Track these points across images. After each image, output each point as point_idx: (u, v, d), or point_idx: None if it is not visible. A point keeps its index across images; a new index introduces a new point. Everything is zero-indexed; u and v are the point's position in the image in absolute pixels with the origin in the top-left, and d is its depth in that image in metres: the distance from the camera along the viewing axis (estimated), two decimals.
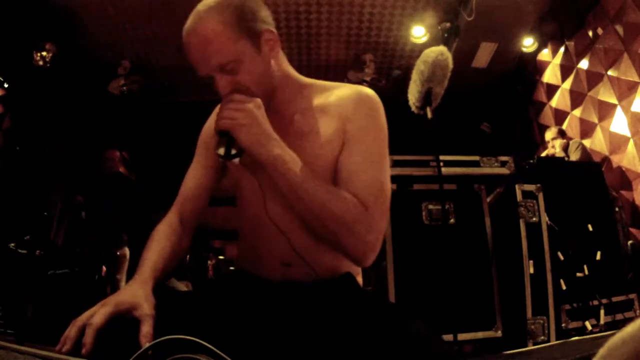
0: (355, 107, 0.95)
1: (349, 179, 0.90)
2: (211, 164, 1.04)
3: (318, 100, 0.98)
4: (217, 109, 1.03)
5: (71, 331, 0.68)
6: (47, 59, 4.38)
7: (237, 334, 0.76)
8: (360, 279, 1.03)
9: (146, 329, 0.68)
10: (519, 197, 2.35)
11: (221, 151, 0.86)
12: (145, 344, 0.65)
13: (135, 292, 0.75)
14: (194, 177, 1.04)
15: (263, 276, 0.94)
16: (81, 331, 0.68)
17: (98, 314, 0.69)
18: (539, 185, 2.38)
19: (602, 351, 0.44)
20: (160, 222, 0.97)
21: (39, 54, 4.35)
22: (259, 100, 0.88)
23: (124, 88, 4.86)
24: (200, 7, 0.89)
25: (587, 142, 4.24)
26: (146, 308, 0.71)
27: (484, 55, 5.02)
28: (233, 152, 0.86)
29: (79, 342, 0.67)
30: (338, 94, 0.98)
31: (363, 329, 0.74)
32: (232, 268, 1.09)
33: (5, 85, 4.55)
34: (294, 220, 0.91)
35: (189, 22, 0.88)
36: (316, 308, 0.84)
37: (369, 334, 0.72)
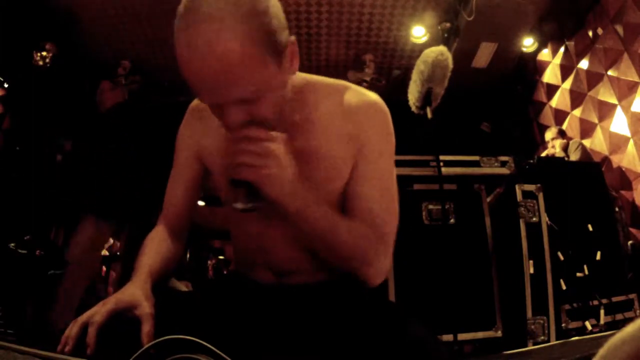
0: (368, 124, 0.86)
1: (367, 209, 0.85)
2: (192, 175, 0.98)
3: (323, 109, 0.86)
4: (193, 111, 0.97)
5: (72, 330, 0.68)
6: (47, 59, 4.38)
7: (236, 334, 0.76)
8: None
9: (147, 327, 0.68)
10: (519, 197, 2.35)
11: (239, 206, 0.72)
12: (147, 343, 0.65)
13: (135, 291, 0.74)
14: (175, 191, 0.99)
15: (257, 280, 0.94)
16: (82, 330, 0.68)
17: (99, 312, 0.69)
18: (539, 185, 2.38)
19: (602, 351, 0.44)
20: (150, 233, 0.96)
21: (39, 54, 4.35)
22: (283, 137, 0.74)
23: (124, 88, 4.86)
24: (208, 8, 0.65)
25: (587, 142, 4.24)
26: (146, 307, 0.71)
27: (484, 55, 5.02)
28: (253, 204, 0.73)
29: (80, 342, 0.67)
30: (346, 102, 0.87)
31: (362, 328, 0.73)
32: (232, 268, 1.09)
33: (5, 85, 4.55)
34: (291, 244, 0.89)
35: (194, 33, 0.65)
36: (315, 308, 0.84)
37: (368, 333, 0.72)
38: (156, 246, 0.91)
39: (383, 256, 0.86)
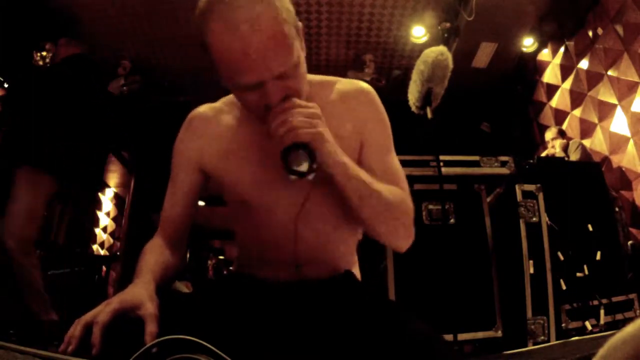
0: (365, 105, 0.96)
1: (385, 175, 0.92)
2: (191, 188, 0.98)
3: (323, 99, 0.94)
4: (192, 122, 0.99)
5: (76, 330, 0.68)
6: (47, 59, 4.38)
7: (238, 334, 0.76)
8: (357, 272, 1.04)
9: (151, 327, 0.67)
10: (519, 197, 2.35)
11: (304, 167, 0.76)
12: (150, 343, 0.65)
13: (139, 292, 0.74)
14: (174, 198, 0.99)
15: (266, 278, 0.94)
16: (86, 330, 0.67)
17: (103, 312, 0.68)
18: (539, 185, 2.38)
19: (602, 351, 0.44)
20: (148, 242, 0.95)
21: (39, 54, 4.35)
22: (317, 106, 0.82)
23: (124, 88, 4.86)
24: None
25: (587, 142, 4.24)
26: (150, 307, 0.70)
27: (484, 55, 5.02)
28: (314, 166, 0.77)
29: (83, 341, 0.67)
30: (340, 91, 0.97)
31: (365, 324, 0.74)
32: (231, 268, 1.09)
33: (5, 85, 4.54)
34: (317, 229, 0.93)
35: (237, 15, 0.71)
36: (318, 306, 0.84)
37: (370, 330, 0.72)
38: (156, 255, 0.91)
39: (412, 215, 0.92)
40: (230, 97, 0.99)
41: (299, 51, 0.80)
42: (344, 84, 0.99)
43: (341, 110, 0.94)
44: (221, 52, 0.74)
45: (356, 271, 1.03)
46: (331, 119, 0.88)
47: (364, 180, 0.84)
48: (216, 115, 0.98)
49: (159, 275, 0.85)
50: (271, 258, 0.95)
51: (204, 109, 1.01)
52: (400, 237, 0.91)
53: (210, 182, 1.01)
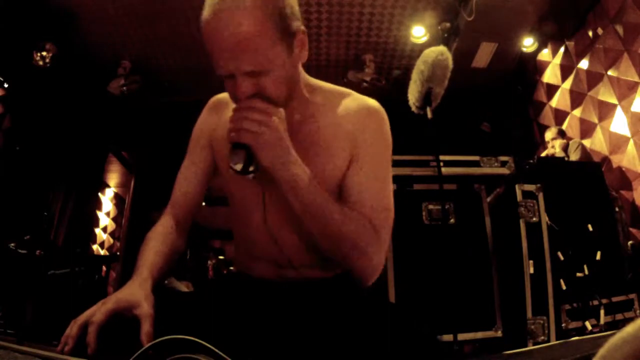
0: (365, 124, 0.92)
1: (360, 199, 0.88)
2: (205, 165, 1.01)
3: (325, 110, 0.93)
4: (211, 104, 1.04)
5: (72, 330, 0.68)
6: (47, 59, 4.38)
7: (236, 333, 0.76)
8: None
9: (147, 327, 0.68)
10: (519, 197, 2.35)
11: (238, 167, 0.80)
12: (146, 342, 0.65)
13: (135, 291, 0.74)
14: (187, 179, 1.01)
15: (259, 277, 0.95)
16: (82, 330, 0.68)
17: (99, 312, 0.69)
18: (539, 185, 2.38)
19: (602, 351, 0.44)
20: (155, 225, 0.96)
21: (39, 54, 4.35)
22: (282, 112, 0.81)
23: (124, 88, 4.86)
24: None
25: (587, 142, 4.24)
26: (146, 307, 0.71)
27: (484, 55, 5.02)
28: (251, 168, 0.81)
29: (80, 341, 0.67)
30: (346, 106, 0.94)
31: (360, 326, 0.74)
32: (232, 268, 1.10)
33: (5, 85, 4.55)
34: (292, 231, 0.91)
35: (219, 9, 0.75)
36: (313, 306, 0.84)
37: (366, 332, 0.72)
38: (160, 241, 0.91)
39: (377, 248, 0.87)
40: None
41: (282, 55, 0.79)
42: (353, 99, 0.96)
43: (338, 124, 0.92)
44: (205, 40, 0.78)
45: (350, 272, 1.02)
46: (323, 130, 0.91)
47: (311, 198, 0.82)
48: (229, 102, 0.99)
49: (160, 267, 0.85)
50: (254, 254, 0.96)
51: (222, 95, 1.04)
52: (357, 269, 0.87)
53: (212, 180, 1.02)
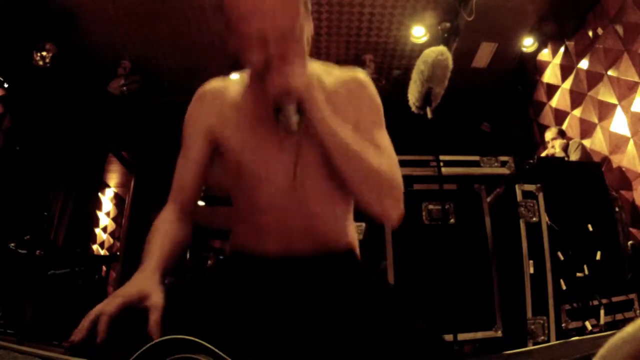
0: (360, 89, 1.00)
1: (375, 148, 0.93)
2: (202, 155, 1.01)
3: (322, 80, 0.98)
4: (202, 94, 1.04)
5: (84, 322, 0.68)
6: (47, 59, 4.38)
7: (240, 316, 0.77)
8: (357, 252, 1.04)
9: (155, 317, 0.68)
10: (519, 197, 2.35)
11: (294, 121, 0.82)
12: (154, 333, 0.66)
13: (144, 283, 0.75)
14: (186, 166, 1.01)
15: (264, 254, 0.94)
16: (93, 323, 0.68)
17: (110, 304, 0.69)
18: (539, 185, 2.38)
19: (602, 351, 0.44)
20: (159, 215, 0.96)
21: (39, 54, 4.35)
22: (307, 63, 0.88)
23: (124, 88, 4.86)
24: None
25: (587, 142, 4.24)
26: (156, 297, 0.71)
27: (484, 55, 5.02)
28: (302, 124, 0.84)
29: (89, 334, 0.67)
30: (338, 76, 1.01)
31: (365, 304, 0.76)
32: (228, 254, 1.08)
33: (5, 85, 4.55)
34: (323, 196, 0.94)
35: None
36: (319, 283, 0.86)
37: (370, 310, 0.74)
38: (166, 231, 0.91)
39: (400, 186, 0.92)
40: (238, 75, 1.05)
41: (305, 21, 0.87)
42: (342, 70, 1.03)
43: (338, 93, 0.98)
44: (230, 2, 0.81)
45: (357, 250, 1.03)
46: (328, 99, 0.93)
47: (350, 140, 0.87)
48: (223, 87, 1.03)
49: (167, 257, 0.85)
50: (265, 228, 0.95)
51: (213, 82, 1.06)
52: (388, 206, 0.91)
53: (219, 158, 1.03)
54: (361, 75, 1.03)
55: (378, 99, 1.02)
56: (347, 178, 0.89)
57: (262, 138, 0.93)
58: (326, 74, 1.01)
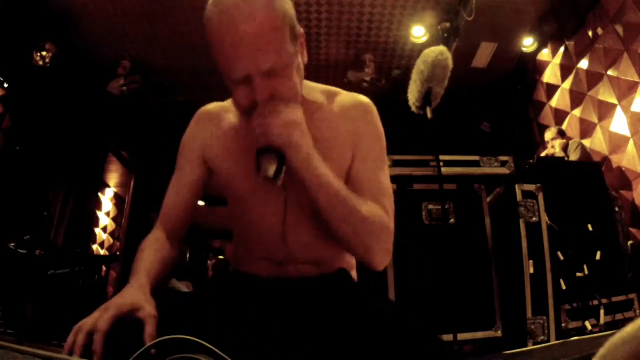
0: (362, 118, 0.96)
1: (369, 188, 0.91)
2: (196, 178, 0.99)
3: (324, 108, 0.96)
4: (201, 116, 1.02)
5: (78, 338, 0.67)
6: (47, 59, 4.38)
7: (236, 331, 0.77)
8: (354, 274, 1.04)
9: (150, 329, 0.67)
10: (519, 197, 2.35)
11: (271, 172, 0.78)
12: (149, 343, 0.65)
13: (136, 295, 0.74)
14: (177, 192, 0.99)
15: (260, 275, 0.95)
16: (89, 338, 0.67)
17: (102, 319, 0.68)
18: (539, 185, 2.38)
19: (602, 351, 0.44)
20: (147, 236, 0.95)
21: (39, 54, 4.35)
22: (302, 111, 0.83)
23: (124, 88, 4.86)
24: None
25: (587, 142, 4.24)
26: (149, 309, 0.71)
27: (484, 55, 5.02)
28: (282, 173, 0.79)
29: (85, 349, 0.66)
30: (340, 102, 0.97)
31: (359, 321, 0.74)
32: (231, 269, 1.10)
33: (5, 85, 4.55)
34: (310, 230, 0.93)
35: (232, 11, 0.74)
36: (313, 303, 0.85)
37: (365, 327, 0.72)
38: (154, 251, 0.90)
39: (389, 235, 0.90)
40: None
41: (292, 54, 0.81)
42: (345, 96, 0.99)
43: (338, 121, 0.94)
44: (216, 42, 0.77)
45: (353, 273, 1.03)
46: (327, 128, 0.92)
47: (337, 192, 0.83)
48: (221, 113, 1.01)
49: (156, 274, 0.84)
50: (263, 254, 0.96)
51: (211, 106, 1.04)
52: (375, 255, 0.88)
53: (212, 180, 1.01)
54: (365, 101, 0.99)
55: (381, 129, 0.98)
56: (332, 228, 0.86)
57: (253, 167, 0.88)
58: (328, 100, 0.97)
